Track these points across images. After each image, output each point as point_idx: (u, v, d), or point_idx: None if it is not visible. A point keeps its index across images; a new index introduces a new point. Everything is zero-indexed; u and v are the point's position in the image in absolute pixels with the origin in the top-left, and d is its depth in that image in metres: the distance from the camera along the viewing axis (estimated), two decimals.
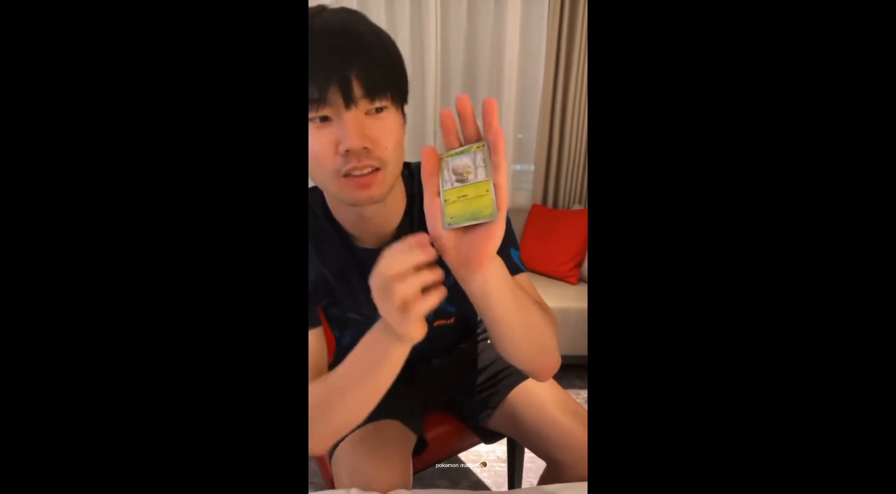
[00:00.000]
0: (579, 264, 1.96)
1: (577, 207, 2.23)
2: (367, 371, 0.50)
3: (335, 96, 0.46)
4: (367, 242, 0.63)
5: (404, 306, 0.40)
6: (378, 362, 0.48)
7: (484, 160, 0.38)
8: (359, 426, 0.65)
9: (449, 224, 0.41)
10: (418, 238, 0.40)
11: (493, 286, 0.46)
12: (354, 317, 0.67)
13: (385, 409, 0.58)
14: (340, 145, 0.48)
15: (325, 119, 0.48)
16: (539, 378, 0.60)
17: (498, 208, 0.38)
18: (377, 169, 0.50)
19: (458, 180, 0.39)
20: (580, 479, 0.69)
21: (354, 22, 0.49)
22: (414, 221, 0.62)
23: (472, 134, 0.39)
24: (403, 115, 0.53)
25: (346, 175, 0.50)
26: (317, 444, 0.56)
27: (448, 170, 0.40)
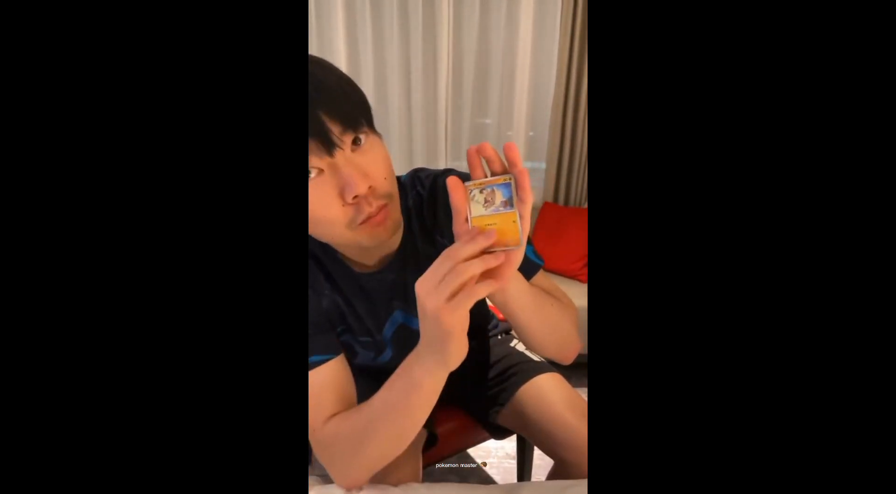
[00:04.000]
0: None
1: (587, 205, 2.22)
2: (404, 400, 0.49)
3: (316, 144, 0.44)
4: (368, 266, 0.62)
5: (453, 295, 0.40)
6: (415, 388, 0.48)
7: (511, 194, 0.41)
8: None
9: None
10: (473, 231, 0.42)
11: (513, 299, 0.51)
12: (365, 340, 0.68)
13: None
14: (347, 194, 0.46)
15: (320, 172, 0.46)
16: (563, 363, 0.66)
17: (521, 238, 0.41)
18: (385, 205, 0.50)
19: (486, 209, 0.42)
20: (585, 478, 0.69)
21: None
22: (415, 234, 0.62)
23: (498, 170, 0.42)
24: (380, 136, 0.52)
25: (363, 223, 0.48)
26: (352, 479, 0.56)
27: (476, 200, 0.43)
